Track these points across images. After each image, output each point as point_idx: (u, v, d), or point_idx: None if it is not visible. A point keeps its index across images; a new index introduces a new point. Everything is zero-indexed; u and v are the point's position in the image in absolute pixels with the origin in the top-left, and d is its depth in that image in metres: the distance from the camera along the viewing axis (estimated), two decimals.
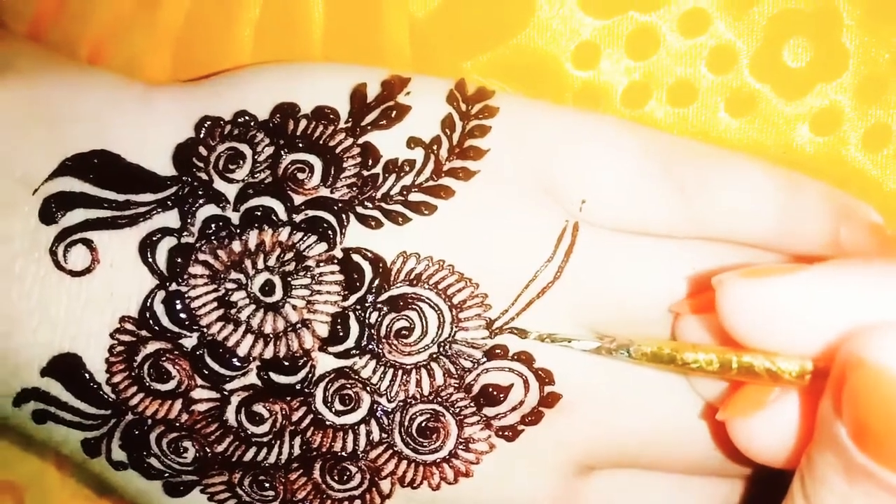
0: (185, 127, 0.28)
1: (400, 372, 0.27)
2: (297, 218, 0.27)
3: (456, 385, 0.27)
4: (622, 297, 0.27)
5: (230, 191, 0.27)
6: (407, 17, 0.29)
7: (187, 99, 0.29)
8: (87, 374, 0.27)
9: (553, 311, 0.27)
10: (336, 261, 0.27)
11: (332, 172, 0.27)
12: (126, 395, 0.27)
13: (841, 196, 0.29)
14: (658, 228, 0.28)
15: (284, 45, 0.30)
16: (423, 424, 0.27)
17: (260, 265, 0.27)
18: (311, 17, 0.30)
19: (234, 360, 0.27)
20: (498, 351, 0.27)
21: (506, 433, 0.27)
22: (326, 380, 0.27)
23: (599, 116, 0.29)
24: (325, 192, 0.27)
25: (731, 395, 0.26)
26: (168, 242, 0.27)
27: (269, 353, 0.26)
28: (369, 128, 0.27)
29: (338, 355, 0.27)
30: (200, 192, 0.27)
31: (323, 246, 0.27)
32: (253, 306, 0.27)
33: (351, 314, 0.26)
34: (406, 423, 0.27)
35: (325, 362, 0.27)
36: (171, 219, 0.27)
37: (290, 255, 0.27)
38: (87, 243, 0.27)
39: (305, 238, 0.27)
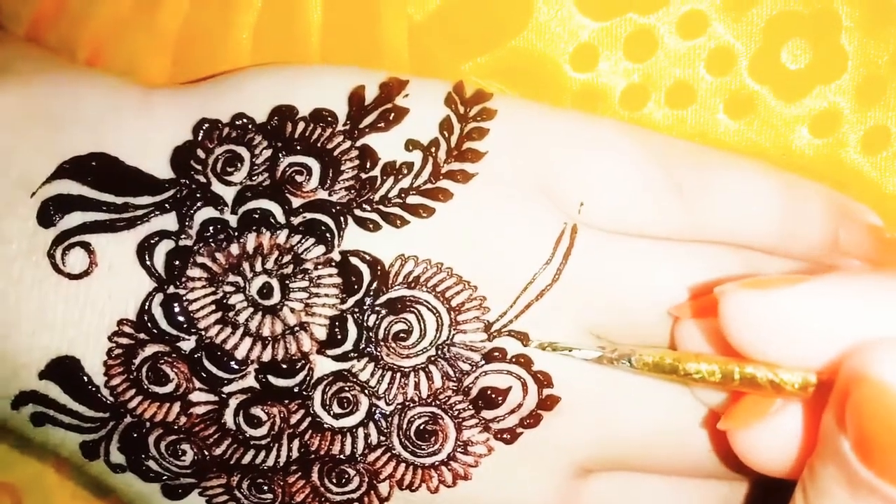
0: (184, 129, 0.28)
1: (398, 375, 0.27)
2: (295, 220, 0.27)
3: (454, 388, 0.27)
4: (620, 299, 0.27)
5: (228, 193, 0.27)
6: (405, 20, 0.29)
7: (185, 101, 0.29)
8: (85, 377, 0.27)
9: (551, 314, 0.27)
10: (334, 263, 0.27)
11: (330, 175, 0.27)
12: (124, 397, 0.27)
13: (840, 198, 0.29)
14: (656, 231, 0.28)
15: (283, 47, 0.30)
16: (421, 427, 0.27)
17: (258, 268, 0.27)
18: (310, 20, 0.30)
19: (232, 362, 0.26)
20: (496, 354, 0.27)
21: (504, 436, 0.27)
22: (324, 383, 0.27)
23: (598, 119, 0.29)
24: (323, 194, 0.27)
25: (732, 403, 0.26)
26: (166, 245, 0.27)
27: (267, 356, 0.26)
28: (367, 130, 0.27)
29: (336, 358, 0.26)
30: (198, 195, 0.27)
31: (321, 249, 0.27)
32: (251, 309, 0.27)
33: (349, 317, 0.26)
34: (404, 426, 0.27)
35: (323, 365, 0.27)
36: (169, 221, 0.27)
37: (288, 258, 0.27)
38: (86, 246, 0.27)
39: (303, 241, 0.27)
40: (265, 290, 0.27)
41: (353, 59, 0.30)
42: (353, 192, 0.27)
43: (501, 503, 0.27)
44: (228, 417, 0.27)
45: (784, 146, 0.30)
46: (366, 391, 0.27)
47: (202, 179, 0.27)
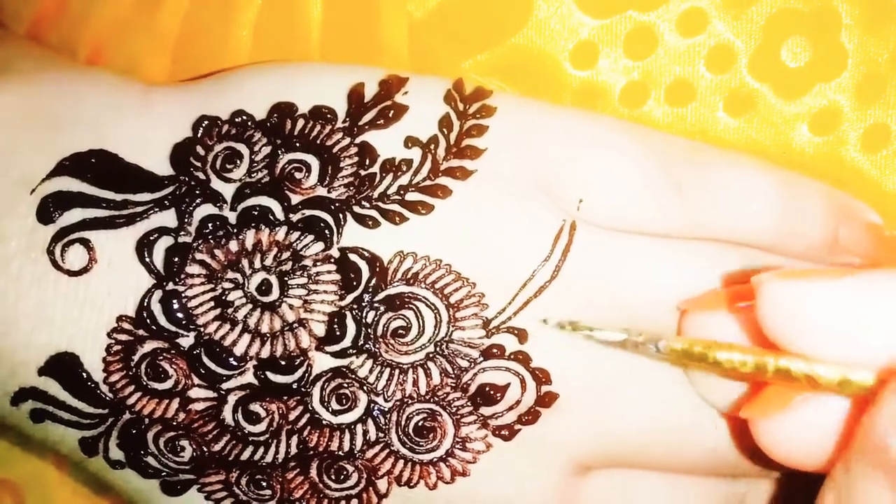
0: (183, 126, 0.28)
1: (397, 371, 0.27)
2: (294, 217, 0.27)
3: (453, 384, 0.27)
4: (620, 296, 0.27)
5: (227, 190, 0.27)
6: (405, 17, 0.29)
7: (185, 98, 0.29)
8: (84, 374, 0.27)
9: (550, 311, 0.27)
10: (333, 260, 0.27)
11: (330, 172, 0.27)
12: (123, 394, 0.27)
13: (840, 196, 0.29)
14: (656, 228, 0.28)
15: (283, 45, 0.30)
16: (419, 424, 0.27)
17: (257, 264, 0.27)
18: (310, 18, 0.30)
19: (231, 359, 0.27)
20: (495, 350, 0.27)
21: (503, 432, 0.27)
22: (323, 379, 0.27)
23: (598, 116, 0.29)
24: (322, 191, 0.27)
25: (754, 394, 0.25)
26: (165, 242, 0.27)
27: (265, 353, 0.26)
28: (367, 127, 0.27)
29: (334, 355, 0.26)
30: (198, 192, 0.27)
31: (320, 245, 0.27)
32: (250, 306, 0.27)
33: (348, 313, 0.26)
34: (403, 423, 0.27)
35: (321, 362, 0.27)
36: (168, 218, 0.27)
37: (286, 255, 0.27)
38: (85, 243, 0.27)
39: (302, 237, 0.27)
40: (264, 287, 0.27)
41: (353, 57, 0.30)
42: (352, 188, 0.27)
43: (500, 500, 0.27)
44: (227, 414, 0.27)
45: (784, 144, 0.30)
46: (364, 388, 0.27)
47: (201, 176, 0.27)
